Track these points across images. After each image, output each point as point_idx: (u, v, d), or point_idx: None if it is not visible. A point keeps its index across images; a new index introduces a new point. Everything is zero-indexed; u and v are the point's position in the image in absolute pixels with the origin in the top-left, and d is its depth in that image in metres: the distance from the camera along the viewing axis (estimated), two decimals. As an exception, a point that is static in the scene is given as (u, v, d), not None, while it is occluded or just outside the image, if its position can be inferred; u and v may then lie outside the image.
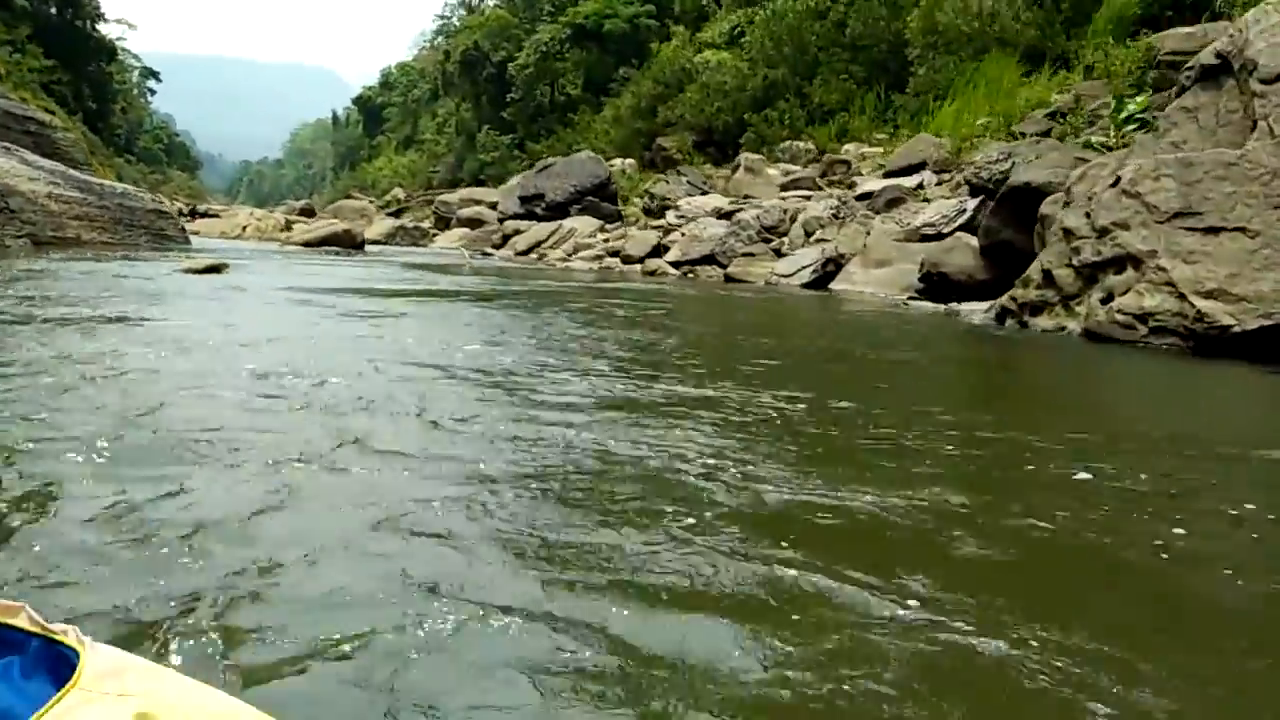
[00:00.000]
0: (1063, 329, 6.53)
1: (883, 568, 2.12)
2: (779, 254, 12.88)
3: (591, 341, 5.99)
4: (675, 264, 13.91)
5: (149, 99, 72.81)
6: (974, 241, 9.51)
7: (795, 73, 27.88)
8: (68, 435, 2.93)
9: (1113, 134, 9.17)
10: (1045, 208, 8.28)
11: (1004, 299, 7.45)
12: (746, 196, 17.71)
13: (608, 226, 21.21)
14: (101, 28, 53.20)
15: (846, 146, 23.19)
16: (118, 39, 59.10)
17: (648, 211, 21.73)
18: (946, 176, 13.51)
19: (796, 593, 2.00)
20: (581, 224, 20.87)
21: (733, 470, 2.91)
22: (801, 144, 24.06)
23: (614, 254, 16.32)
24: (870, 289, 10.52)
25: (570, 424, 3.45)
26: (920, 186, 13.21)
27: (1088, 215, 6.60)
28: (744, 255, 12.95)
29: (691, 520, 2.42)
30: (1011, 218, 8.81)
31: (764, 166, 21.53)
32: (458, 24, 56.93)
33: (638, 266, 14.70)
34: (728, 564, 2.14)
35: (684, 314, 8.71)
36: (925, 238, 10.72)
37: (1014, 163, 10.65)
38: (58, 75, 44.22)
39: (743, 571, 2.10)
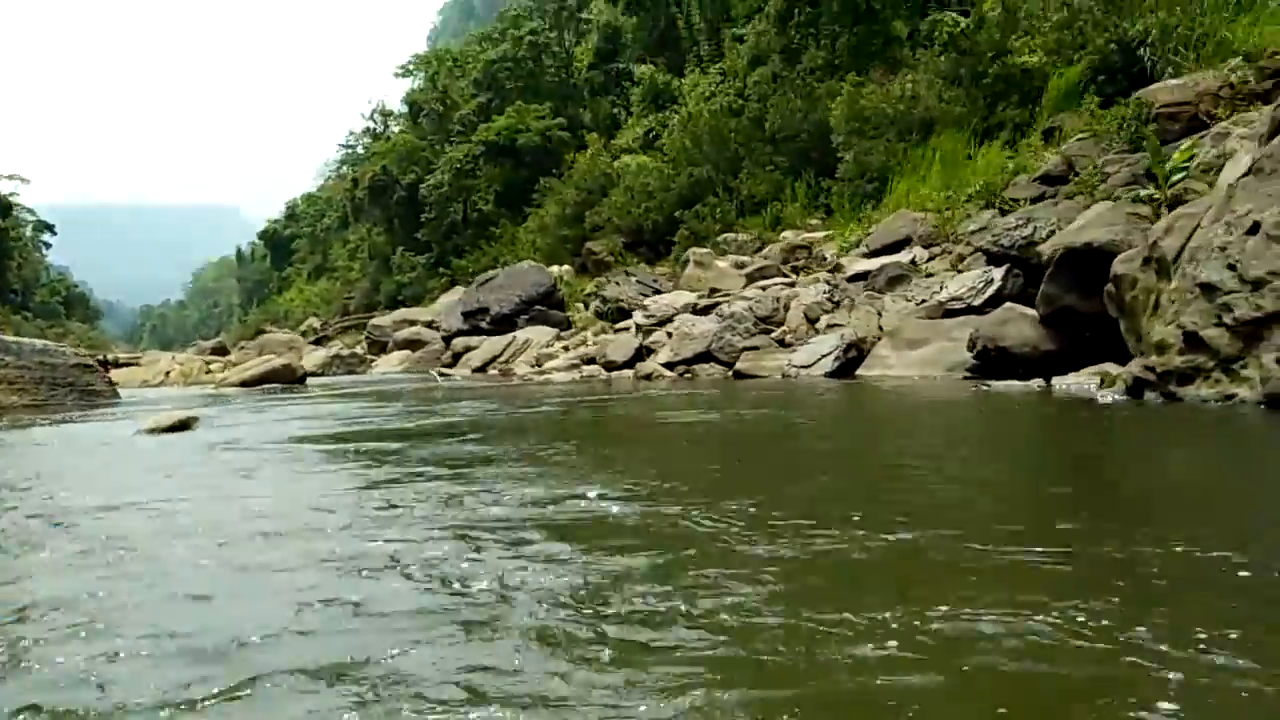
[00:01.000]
0: (1230, 397, 5.60)
1: None
2: (783, 344, 11.93)
3: (706, 481, 4.80)
4: (669, 365, 12.84)
5: (44, 252, 69.94)
6: (1025, 311, 8.68)
7: (719, 169, 27.57)
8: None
9: (1159, 187, 8.49)
10: (1120, 267, 7.49)
11: (1134, 369, 6.52)
12: (714, 290, 16.83)
13: (563, 334, 20.12)
14: (-6, 185, 51.00)
15: (784, 233, 22.72)
16: (10, 194, 56.80)
17: (601, 315, 20.72)
18: (937, 250, 12.84)
19: None
20: (535, 334, 19.74)
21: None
22: (743, 235, 23.48)
23: (589, 361, 15.19)
24: (909, 371, 9.57)
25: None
26: (914, 263, 12.47)
27: (1231, 267, 5.76)
28: (747, 349, 11.95)
29: None
30: (1073, 282, 8.01)
31: (712, 260, 20.79)
32: (363, 151, 56.11)
33: (627, 372, 13.59)
34: None
35: (740, 421, 7.58)
36: (952, 312, 9.89)
37: (1035, 227, 9.96)
38: (-50, 234, 41.84)
39: None
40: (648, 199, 28.56)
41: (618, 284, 21.07)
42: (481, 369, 18.97)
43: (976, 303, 9.69)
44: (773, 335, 12.16)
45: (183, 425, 8.48)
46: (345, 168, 61.33)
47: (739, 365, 11.49)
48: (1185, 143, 8.72)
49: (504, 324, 21.93)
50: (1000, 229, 10.02)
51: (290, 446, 6.82)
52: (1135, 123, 10.94)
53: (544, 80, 40.64)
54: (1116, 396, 6.69)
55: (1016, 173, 12.86)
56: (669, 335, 13.86)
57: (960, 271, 11.62)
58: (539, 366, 17.46)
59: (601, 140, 36.40)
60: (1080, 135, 12.54)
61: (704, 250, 21.25)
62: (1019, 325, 8.48)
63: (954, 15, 25.98)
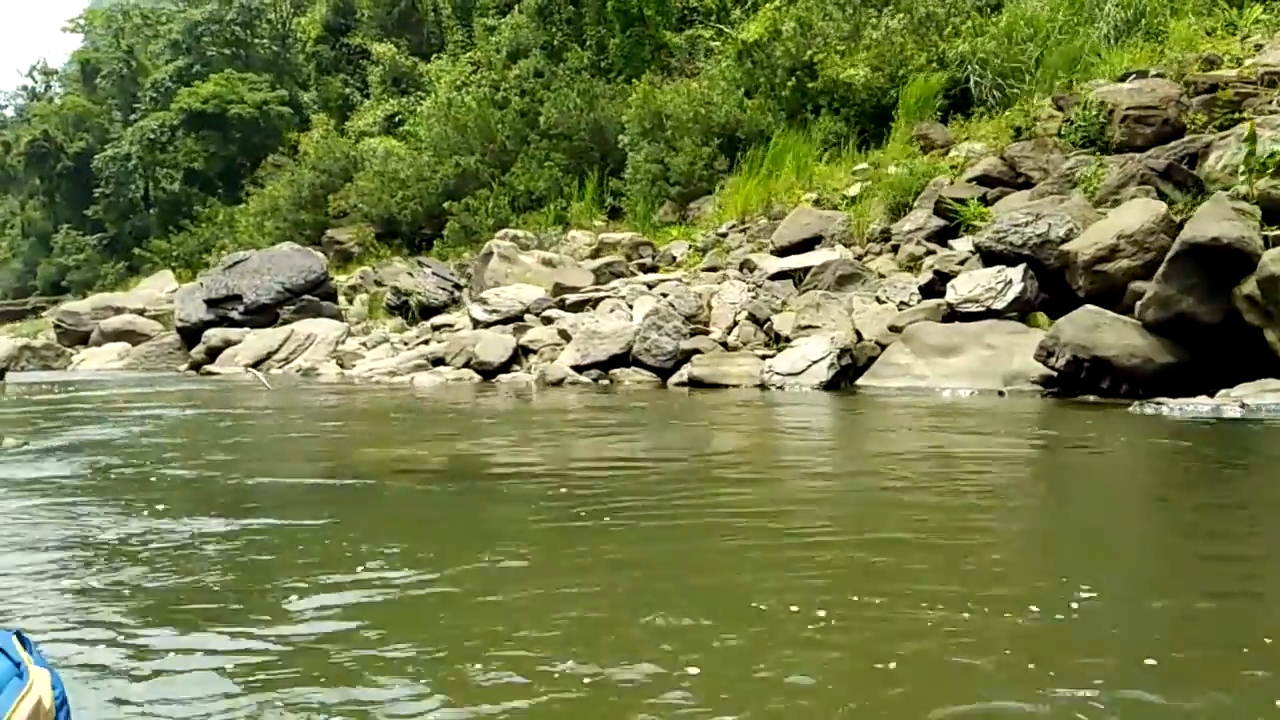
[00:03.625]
0: None
1: None
2: (727, 347, 9.96)
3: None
4: (578, 369, 10.42)
5: None
6: (1112, 314, 7.36)
7: (486, 161, 25.08)
8: None
9: (1248, 181, 7.53)
10: (1274, 266, 6.37)
11: None
12: (561, 286, 14.48)
13: (354, 329, 16.81)
14: None
15: (573, 232, 20.82)
16: None
17: (395, 309, 17.57)
18: (859, 249, 11.46)
19: None
20: (318, 329, 16.26)
21: None
22: (524, 231, 21.13)
23: (438, 361, 12.30)
24: (951, 384, 7.96)
25: None
26: (859, 261, 10.93)
27: None
28: (690, 352, 9.83)
29: None
30: (1198, 284, 6.81)
31: (516, 254, 18.37)
32: (15, 113, 46.95)
33: (513, 376, 10.94)
34: None
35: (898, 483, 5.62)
36: (967, 315, 8.47)
37: (1049, 224, 8.77)
38: None
39: None
40: (403, 187, 25.42)
41: (410, 275, 18.01)
42: (257, 365, 15.27)
43: (997, 305, 8.35)
44: (713, 337, 10.16)
45: None
46: (-8, 129, 51.11)
47: (695, 372, 9.34)
48: (1249, 134, 7.89)
49: (261, 314, 18.06)
50: (1006, 226, 8.78)
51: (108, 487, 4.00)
52: (1098, 123, 10.20)
53: (256, 50, 35.72)
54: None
55: (928, 176, 11.84)
56: (562, 334, 11.40)
57: (910, 271, 10.30)
58: (344, 367, 14.20)
59: (331, 120, 32.41)
60: (974, 139, 11.71)
61: (508, 244, 18.72)
62: (1118, 331, 7.15)
63: (721, 28, 25.36)
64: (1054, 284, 8.55)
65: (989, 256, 8.86)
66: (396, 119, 30.36)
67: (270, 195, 27.38)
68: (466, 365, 11.86)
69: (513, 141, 25.21)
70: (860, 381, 8.61)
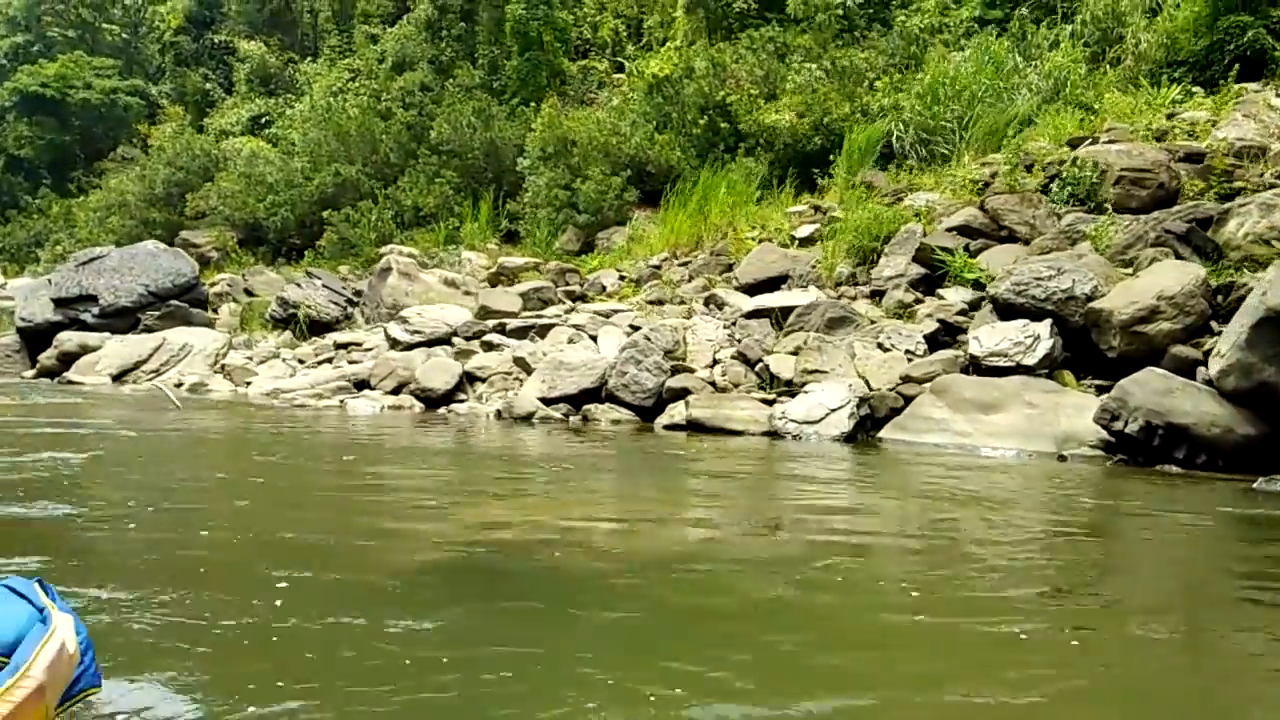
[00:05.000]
0: None
1: None
2: (715, 387, 8.93)
3: None
4: (545, 401, 9.13)
5: None
6: (1173, 381, 6.80)
7: (369, 173, 23.31)
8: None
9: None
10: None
11: None
12: (488, 309, 13.12)
13: (237, 342, 14.77)
14: None
15: (467, 253, 19.49)
16: None
17: (280, 322, 15.61)
18: (832, 292, 10.70)
19: None
20: (193, 338, 14.15)
21: None
22: (409, 249, 19.55)
23: (362, 385, 10.69)
24: (997, 444, 7.21)
25: None
26: (846, 302, 10.12)
27: None
28: (678, 390, 8.73)
29: None
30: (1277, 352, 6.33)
31: (418, 272, 16.83)
32: None
33: (461, 408, 9.49)
34: None
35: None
36: (996, 370, 7.80)
37: (1073, 280, 8.25)
38: None
39: None
40: (271, 191, 23.24)
41: (299, 286, 16.10)
42: (119, 377, 13.11)
43: (1028, 361, 7.72)
44: (700, 376, 9.10)
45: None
46: None
47: (696, 414, 8.23)
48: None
49: (119, 319, 15.72)
50: (1027, 278, 8.20)
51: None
52: (1088, 182, 9.87)
53: (104, 35, 32.38)
54: None
55: (895, 223, 11.25)
56: (518, 363, 10.05)
57: (900, 318, 9.61)
58: (235, 384, 12.33)
59: (187, 116, 29.57)
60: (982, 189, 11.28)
61: (408, 259, 17.10)
62: (1193, 398, 6.59)
63: (621, 61, 24.72)
64: (1076, 342, 8.03)
65: (1006, 309, 8.26)
66: (263, 120, 27.98)
67: (117, 190, 24.45)
68: (398, 391, 10.35)
69: (397, 154, 23.54)
70: (884, 434, 7.77)
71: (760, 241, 13.48)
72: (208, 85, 29.29)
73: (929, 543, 4.66)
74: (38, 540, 4.05)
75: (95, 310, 15.76)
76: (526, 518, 4.74)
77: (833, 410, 7.78)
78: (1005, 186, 10.80)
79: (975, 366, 7.97)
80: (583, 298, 14.07)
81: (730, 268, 12.96)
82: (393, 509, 4.96)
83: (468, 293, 17.01)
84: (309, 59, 29.11)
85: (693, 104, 19.40)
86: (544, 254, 18.32)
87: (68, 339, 14.21)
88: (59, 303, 15.87)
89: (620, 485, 6.01)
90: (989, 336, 7.97)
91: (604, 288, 14.22)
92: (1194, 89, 13.38)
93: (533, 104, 22.05)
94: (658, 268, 14.18)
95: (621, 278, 14.35)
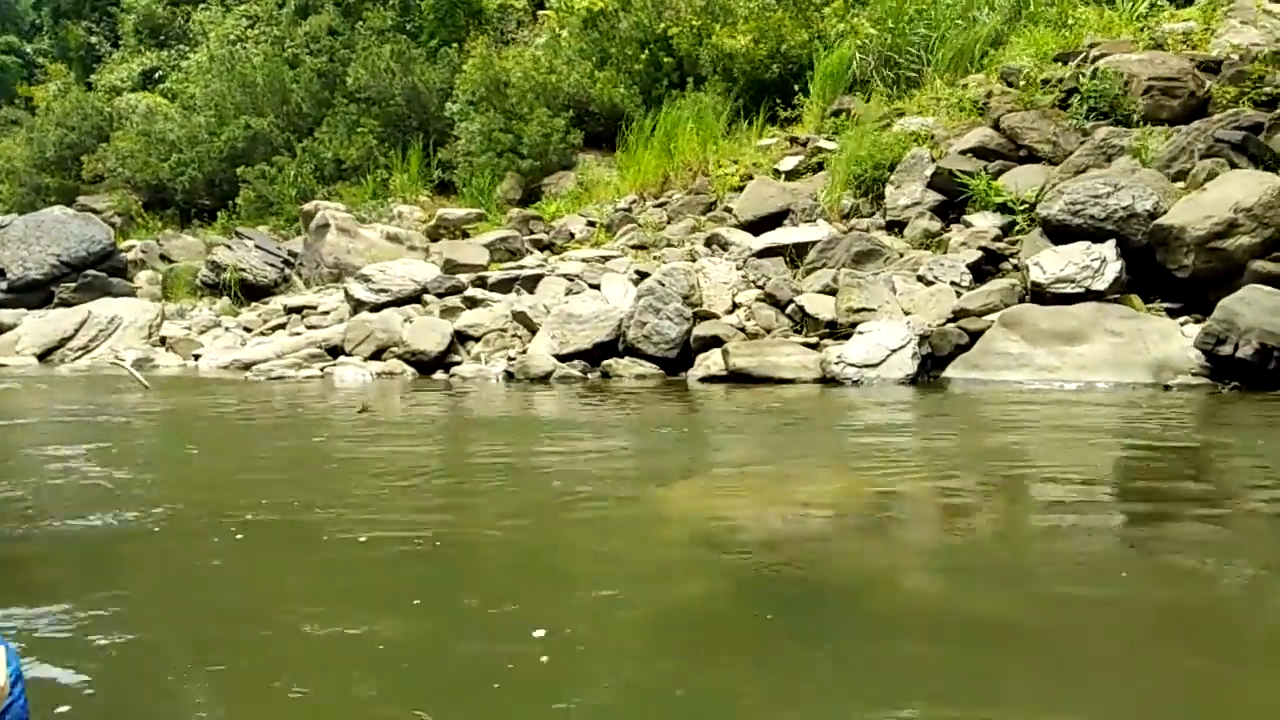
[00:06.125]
0: None
1: None
2: (744, 332, 8.03)
3: None
4: (559, 358, 8.09)
5: None
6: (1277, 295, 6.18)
7: (282, 125, 21.46)
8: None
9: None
10: None
11: None
12: (453, 263, 11.90)
13: (171, 312, 13.19)
14: None
15: (399, 207, 18.16)
16: None
17: (211, 287, 14.04)
18: (843, 226, 9.85)
19: None
20: (123, 310, 12.55)
21: None
22: (334, 204, 18.03)
23: (336, 351, 9.45)
24: (1081, 377, 6.50)
25: None
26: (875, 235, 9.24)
27: None
28: (707, 339, 7.81)
29: None
30: None
31: (357, 228, 15.42)
32: None
33: (467, 369, 8.34)
34: None
35: None
36: (1064, 298, 7.10)
37: (1132, 196, 7.58)
38: None
39: None
40: (174, 150, 21.22)
41: (231, 249, 14.50)
42: (44, 356, 11.52)
43: (1098, 286, 7.02)
44: (728, 321, 8.18)
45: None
46: None
47: (740, 363, 7.32)
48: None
49: (29, 293, 13.97)
50: (1083, 197, 7.49)
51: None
52: (1110, 95, 9.20)
53: (-33, -12, 29.21)
54: None
55: (895, 150, 10.42)
56: (518, 318, 8.94)
57: (927, 248, 8.85)
58: (181, 357, 10.91)
59: (71, 73, 26.91)
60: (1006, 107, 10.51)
61: (345, 215, 15.62)
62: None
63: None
64: (1138, 263, 7.40)
65: (1060, 232, 7.56)
66: (156, 74, 25.59)
67: (4, 155, 22.00)
68: (379, 355, 9.16)
69: (309, 104, 21.71)
70: (950, 374, 7.01)
71: (742, 178, 12.57)
72: (92, 39, 26.61)
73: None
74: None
75: (3, 285, 13.98)
76: (737, 507, 3.67)
77: (893, 351, 6.98)
78: (1018, 103, 10.07)
79: (1037, 295, 7.25)
80: (550, 246, 12.95)
81: (712, 206, 12.02)
82: (569, 504, 3.78)
83: (413, 247, 15.72)
84: (200, 5, 26.67)
85: (631, 38, 18.20)
86: (485, 204, 17.06)
87: (-1, 317, 12.45)
88: (-42, 278, 14.00)
89: (775, 450, 4.94)
90: (1052, 262, 7.25)
91: (572, 235, 13.12)
92: (1160, 2, 12.89)
93: (454, 45, 20.53)
94: (628, 210, 13.12)
95: (590, 224, 13.24)
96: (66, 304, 13.40)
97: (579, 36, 19.32)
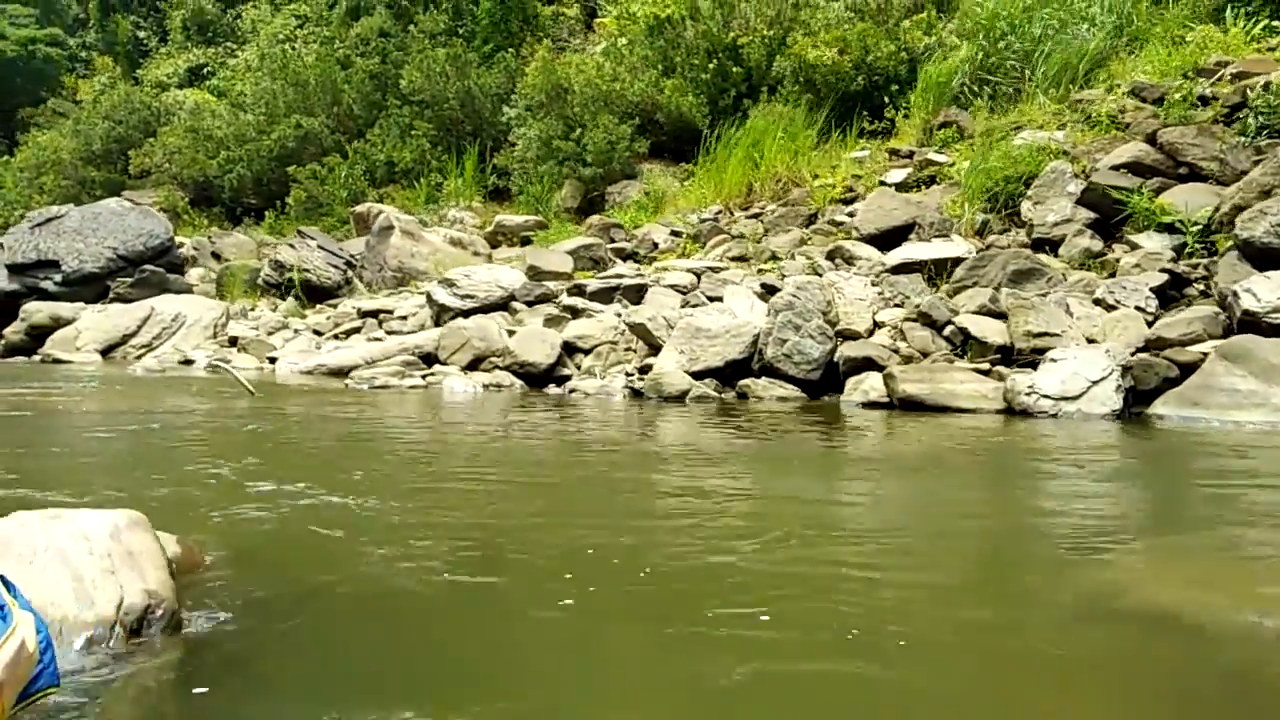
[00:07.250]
0: None
1: None
2: (899, 354, 7.14)
3: None
4: (696, 375, 7.21)
5: None
6: None
7: (333, 126, 20.71)
8: None
9: None
10: None
11: None
12: (536, 270, 11.03)
13: (236, 312, 12.32)
14: None
15: (455, 212, 17.43)
16: None
17: (273, 287, 13.19)
18: (977, 241, 8.99)
19: None
20: (187, 308, 11.69)
21: None
22: (384, 207, 17.21)
23: (430, 359, 8.55)
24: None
25: None
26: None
27: None
28: (863, 360, 6.93)
29: None
30: None
31: (420, 231, 14.59)
32: None
33: (591, 385, 7.44)
34: None
35: None
36: (1274, 329, 6.23)
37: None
38: None
39: None
40: (222, 148, 20.46)
41: (293, 247, 13.66)
42: (109, 351, 10.66)
43: (1321, 315, 6.19)
44: (877, 342, 7.29)
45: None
46: None
47: (910, 389, 6.41)
48: None
49: (85, 286, 13.11)
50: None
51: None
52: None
53: (16, -20, 28.56)
54: None
55: (1030, 165, 9.55)
56: (634, 329, 8.04)
57: (1087, 269, 7.96)
58: (257, 360, 10.02)
59: (118, 67, 26.20)
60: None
61: (408, 217, 14.79)
62: None
63: (599, 3, 22.46)
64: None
65: (1263, 256, 6.69)
66: (203, 71, 24.87)
67: (50, 147, 21.21)
68: (475, 366, 8.26)
69: (360, 106, 20.97)
70: (1160, 409, 6.10)
71: (844, 190, 11.74)
72: (140, 33, 25.88)
73: None
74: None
75: (58, 277, 13.12)
76: (1184, 590, 2.66)
77: (1094, 382, 6.06)
78: (1167, 119, 9.21)
79: (1249, 324, 6.35)
80: (633, 255, 12.08)
81: (814, 218, 11.15)
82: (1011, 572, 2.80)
83: (476, 253, 14.95)
84: (250, 3, 25.99)
85: (698, 47, 17.38)
86: (543, 211, 16.25)
87: (36, 310, 11.60)
88: (14, 269, 13.16)
89: (1058, 501, 4.02)
90: (1265, 289, 6.36)
91: (655, 244, 12.25)
92: (1275, 24, 12.08)
93: (510, 50, 19.80)
94: (715, 220, 12.26)
95: (674, 233, 12.37)
96: (123, 299, 12.54)
97: (643, 44, 18.49)
